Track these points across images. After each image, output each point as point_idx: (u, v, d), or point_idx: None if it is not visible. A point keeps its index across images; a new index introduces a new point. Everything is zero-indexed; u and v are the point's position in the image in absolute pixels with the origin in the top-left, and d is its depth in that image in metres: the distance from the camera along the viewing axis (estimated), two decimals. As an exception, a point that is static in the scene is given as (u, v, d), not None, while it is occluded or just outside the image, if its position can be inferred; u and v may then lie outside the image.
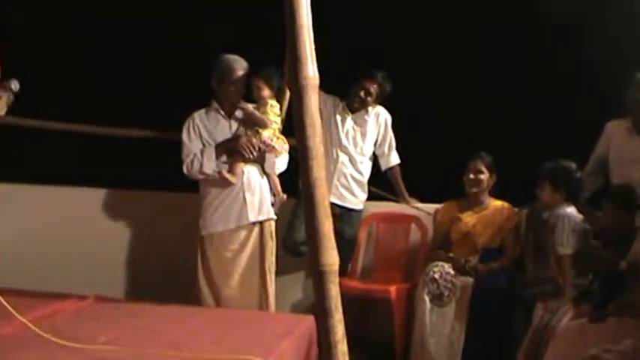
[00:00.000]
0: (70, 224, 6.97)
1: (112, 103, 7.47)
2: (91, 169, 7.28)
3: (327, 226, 2.64)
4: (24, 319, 4.49)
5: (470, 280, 6.06)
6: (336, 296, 2.56)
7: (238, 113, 6.00)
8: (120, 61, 7.78)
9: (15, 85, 5.16)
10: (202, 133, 5.99)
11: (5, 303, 4.49)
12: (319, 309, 2.58)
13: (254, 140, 5.89)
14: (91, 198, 7.04)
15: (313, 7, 5.13)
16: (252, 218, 5.93)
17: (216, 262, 5.92)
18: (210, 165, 5.89)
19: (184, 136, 5.98)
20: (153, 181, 6.84)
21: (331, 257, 2.61)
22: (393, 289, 6.30)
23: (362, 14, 7.10)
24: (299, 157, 2.73)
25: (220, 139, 5.95)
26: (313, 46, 2.70)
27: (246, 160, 5.92)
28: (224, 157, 5.91)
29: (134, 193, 7.10)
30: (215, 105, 6.03)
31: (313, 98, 2.69)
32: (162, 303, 5.55)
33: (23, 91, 5.55)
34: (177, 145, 5.97)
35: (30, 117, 7.09)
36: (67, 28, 7.66)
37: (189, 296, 5.91)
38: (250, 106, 5.99)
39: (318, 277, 2.59)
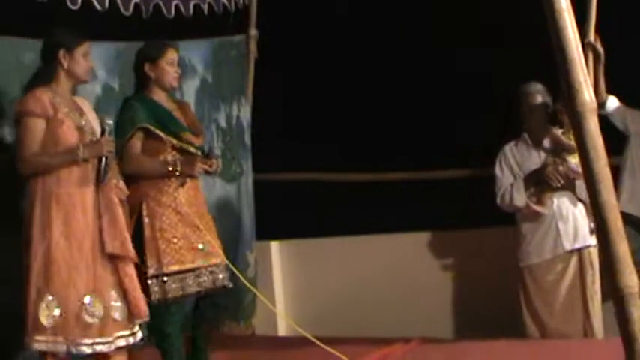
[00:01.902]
0: (394, 270, 7.18)
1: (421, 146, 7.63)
2: (407, 214, 7.46)
3: (622, 248, 2.62)
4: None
5: None
6: (639, 319, 2.53)
7: (546, 142, 6.00)
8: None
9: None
10: (512, 166, 6.07)
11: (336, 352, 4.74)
12: (622, 333, 2.55)
13: (560, 168, 5.84)
14: (412, 242, 7.22)
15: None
16: (567, 247, 5.87)
17: (536, 293, 5.90)
18: (520, 198, 5.92)
19: (497, 170, 6.10)
20: (471, 219, 6.92)
21: (630, 280, 2.59)
22: None
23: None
24: (585, 182, 2.73)
25: (530, 169, 5.98)
26: (586, 72, 2.71)
27: (555, 189, 5.88)
28: (533, 189, 5.93)
29: (452, 234, 7.20)
30: (524, 136, 6.08)
31: (592, 123, 2.68)
32: (487, 339, 5.60)
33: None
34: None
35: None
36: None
37: (515, 329, 5.93)
38: (558, 132, 5.97)
39: (618, 301, 2.58)
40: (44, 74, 4.69)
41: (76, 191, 4.53)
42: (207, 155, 5.22)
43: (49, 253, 4.44)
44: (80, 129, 4.62)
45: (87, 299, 4.46)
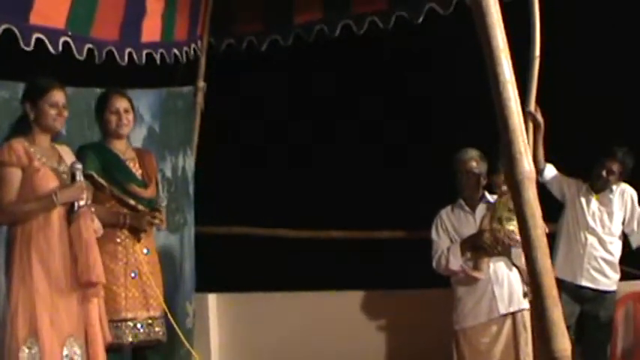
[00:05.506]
0: (329, 327, 7.21)
1: (362, 207, 7.72)
2: (343, 272, 7.52)
3: (556, 313, 2.71)
4: None
5: None
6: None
7: (481, 208, 6.12)
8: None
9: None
10: (449, 230, 6.17)
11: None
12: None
13: (498, 235, 5.95)
14: (348, 300, 7.26)
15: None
16: (502, 310, 5.96)
17: (471, 355, 5.99)
18: (456, 262, 6.02)
19: (434, 234, 6.20)
20: (407, 279, 6.99)
21: (562, 344, 2.68)
22: (657, 372, 6.10)
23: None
24: (522, 248, 2.83)
25: (466, 234, 6.08)
26: (527, 142, 2.81)
27: (492, 254, 5.99)
28: (470, 254, 6.03)
29: (388, 294, 7.26)
30: (460, 201, 6.20)
31: (531, 191, 2.79)
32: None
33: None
34: (429, 243, 6.19)
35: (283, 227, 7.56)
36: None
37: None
38: (491, 199, 6.10)
39: (550, 365, 2.67)
40: (21, 126, 4.72)
41: (53, 234, 4.58)
42: (152, 209, 5.26)
43: (30, 299, 4.47)
44: (59, 175, 4.66)
45: (67, 342, 4.53)
